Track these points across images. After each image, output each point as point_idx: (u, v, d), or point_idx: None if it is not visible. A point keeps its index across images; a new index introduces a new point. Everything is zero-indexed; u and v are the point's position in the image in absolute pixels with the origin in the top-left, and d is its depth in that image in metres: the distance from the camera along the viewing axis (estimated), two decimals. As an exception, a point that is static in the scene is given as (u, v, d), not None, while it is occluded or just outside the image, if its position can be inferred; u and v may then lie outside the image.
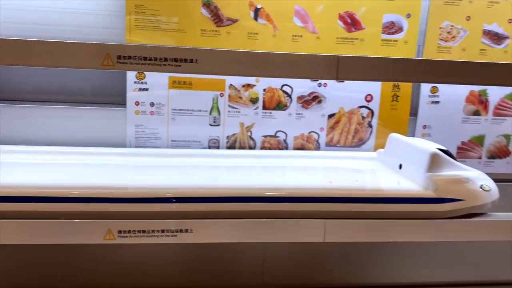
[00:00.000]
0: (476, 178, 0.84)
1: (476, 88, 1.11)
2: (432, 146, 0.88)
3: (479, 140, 1.14)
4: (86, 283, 1.11)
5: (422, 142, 0.93)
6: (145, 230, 0.75)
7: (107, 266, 1.11)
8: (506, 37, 1.09)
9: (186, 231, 0.76)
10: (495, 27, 1.08)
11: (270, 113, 1.09)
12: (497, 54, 1.09)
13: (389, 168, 0.98)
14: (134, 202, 0.76)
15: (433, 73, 0.71)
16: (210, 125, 1.07)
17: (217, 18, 1.01)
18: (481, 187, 0.84)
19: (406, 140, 0.95)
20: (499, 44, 1.09)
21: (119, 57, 0.69)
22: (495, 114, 1.13)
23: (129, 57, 0.69)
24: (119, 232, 0.74)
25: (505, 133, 1.14)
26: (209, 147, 1.08)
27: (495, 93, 1.12)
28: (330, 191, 0.82)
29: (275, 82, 1.07)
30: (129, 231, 0.74)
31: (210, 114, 1.06)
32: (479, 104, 1.12)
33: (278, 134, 1.10)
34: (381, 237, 0.81)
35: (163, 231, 0.75)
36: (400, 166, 0.94)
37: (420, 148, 0.88)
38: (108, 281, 1.11)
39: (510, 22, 1.08)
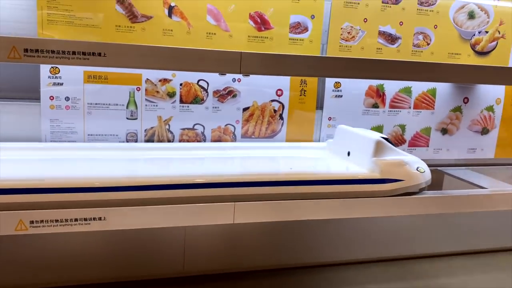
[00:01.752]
0: (412, 161, 0.97)
1: (374, 83, 1.24)
2: (376, 135, 0.98)
3: (378, 130, 1.27)
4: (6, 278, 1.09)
5: (367, 132, 1.04)
6: (58, 220, 0.77)
7: (24, 261, 1.10)
8: (399, 38, 1.22)
9: (100, 219, 0.79)
10: (388, 29, 1.21)
11: (188, 106, 1.14)
12: (391, 53, 1.22)
13: (339, 156, 1.07)
14: (47, 192, 0.78)
15: (318, 67, 0.81)
16: (128, 118, 1.09)
17: (132, 15, 1.04)
18: (417, 169, 0.96)
19: (353, 130, 1.05)
20: (393, 44, 1.22)
21: (26, 50, 0.71)
22: (391, 107, 1.26)
23: (37, 50, 0.71)
24: (31, 222, 0.76)
25: (401, 123, 1.28)
26: (127, 141, 1.11)
27: (391, 88, 1.26)
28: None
29: (191, 77, 1.12)
30: (42, 221, 0.76)
31: (127, 108, 1.09)
32: (377, 97, 1.25)
33: (196, 127, 1.16)
34: (288, 216, 0.89)
35: (76, 220, 0.78)
36: (349, 154, 1.04)
37: (366, 136, 0.98)
38: (27, 277, 1.10)
39: (401, 25, 1.21)
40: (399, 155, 0.97)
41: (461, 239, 1.51)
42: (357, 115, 1.24)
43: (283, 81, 1.18)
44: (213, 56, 0.78)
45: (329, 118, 1.22)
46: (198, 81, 1.13)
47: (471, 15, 1.27)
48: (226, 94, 1.16)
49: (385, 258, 1.42)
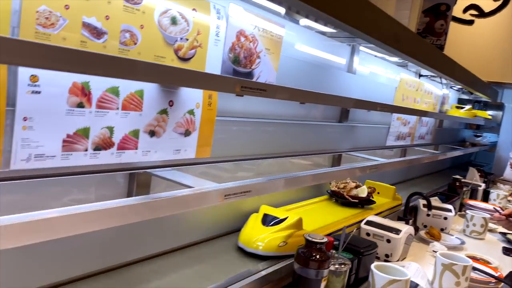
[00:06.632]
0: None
1: (79, 79, 1.11)
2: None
3: (84, 132, 1.14)
4: None
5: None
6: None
7: None
8: (105, 33, 1.13)
9: None
10: (94, 21, 1.10)
11: None
12: (97, 48, 1.12)
13: None
14: None
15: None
16: None
17: None
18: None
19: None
20: (99, 39, 1.13)
21: None
22: (98, 107, 1.16)
23: None
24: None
25: (108, 125, 1.20)
26: None
27: (98, 86, 1.15)
28: None
29: None
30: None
31: None
32: (82, 96, 1.12)
33: None
34: None
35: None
36: None
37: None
38: None
39: (107, 19, 1.13)
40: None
41: (166, 238, 1.55)
42: (59, 115, 1.08)
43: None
44: None
45: (25, 119, 1.01)
46: None
47: (174, 21, 1.31)
48: None
49: (95, 272, 1.30)
